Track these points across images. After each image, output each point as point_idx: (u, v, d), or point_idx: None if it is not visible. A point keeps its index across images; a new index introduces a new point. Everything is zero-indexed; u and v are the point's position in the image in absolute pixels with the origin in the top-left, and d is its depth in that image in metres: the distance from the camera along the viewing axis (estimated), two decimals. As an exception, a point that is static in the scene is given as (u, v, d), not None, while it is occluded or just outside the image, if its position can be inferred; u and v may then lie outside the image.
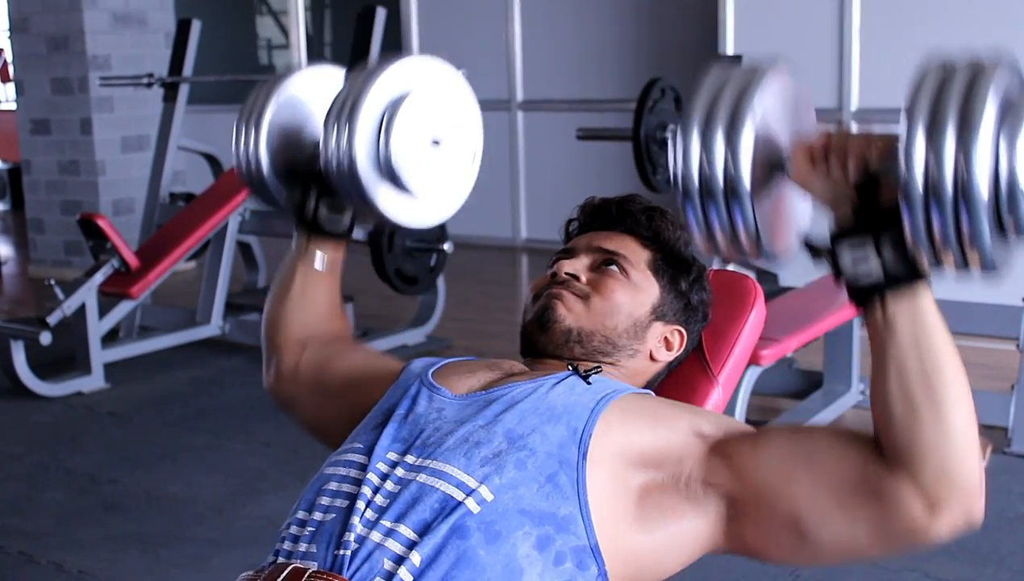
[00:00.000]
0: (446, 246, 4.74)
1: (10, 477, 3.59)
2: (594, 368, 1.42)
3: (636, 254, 1.53)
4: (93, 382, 4.44)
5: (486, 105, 6.05)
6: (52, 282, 4.38)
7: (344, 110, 1.53)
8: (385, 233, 4.50)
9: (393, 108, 1.54)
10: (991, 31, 5.10)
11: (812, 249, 1.25)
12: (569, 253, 1.55)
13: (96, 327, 4.45)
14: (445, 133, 1.60)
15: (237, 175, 1.74)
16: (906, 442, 1.17)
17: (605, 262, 1.51)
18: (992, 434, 3.59)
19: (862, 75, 5.41)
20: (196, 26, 5.25)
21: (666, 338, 1.53)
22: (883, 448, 1.19)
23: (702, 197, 1.20)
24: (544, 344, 1.48)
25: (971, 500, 1.17)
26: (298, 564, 1.24)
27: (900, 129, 1.12)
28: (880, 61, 5.36)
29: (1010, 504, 3.14)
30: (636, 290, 1.50)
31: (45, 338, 4.23)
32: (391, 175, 1.55)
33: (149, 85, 5.33)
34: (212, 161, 5.63)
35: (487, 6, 7.09)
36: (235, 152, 1.69)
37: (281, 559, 1.28)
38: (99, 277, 4.44)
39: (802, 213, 1.31)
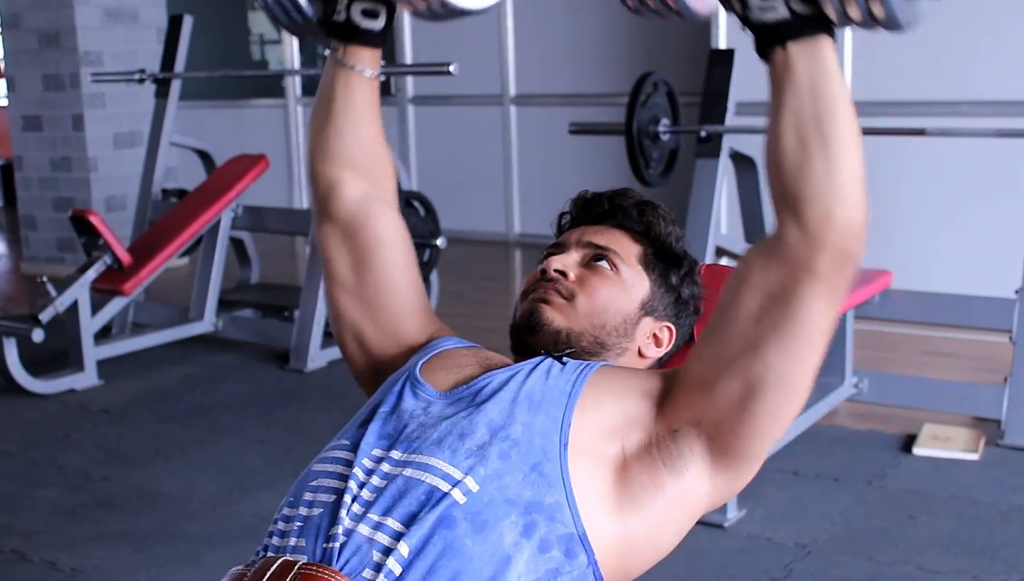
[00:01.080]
0: (439, 241, 4.75)
1: (2, 475, 3.58)
2: (568, 351, 1.42)
3: (627, 249, 1.52)
4: (86, 379, 4.43)
5: (479, 100, 6.08)
6: (44, 279, 4.37)
7: None
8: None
9: None
10: (981, 27, 5.10)
11: None
12: (559, 248, 1.55)
13: (89, 324, 4.44)
14: None
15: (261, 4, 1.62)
16: (795, 183, 1.20)
17: (595, 258, 1.51)
18: (986, 426, 3.59)
19: (854, 68, 5.41)
20: (188, 22, 5.24)
21: (655, 334, 1.52)
22: (772, 197, 1.23)
23: None
24: (533, 345, 1.48)
25: (851, 236, 1.20)
26: (288, 557, 1.23)
27: None
28: (872, 52, 5.35)
29: (1004, 496, 3.14)
30: (625, 286, 1.50)
31: (38, 335, 4.22)
32: None
33: (141, 81, 5.31)
34: (204, 157, 5.61)
35: (480, 0, 7.08)
36: None
37: (270, 553, 1.28)
38: (91, 274, 4.43)
39: None
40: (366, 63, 1.55)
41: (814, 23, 1.19)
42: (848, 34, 5.35)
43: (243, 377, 4.55)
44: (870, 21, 1.16)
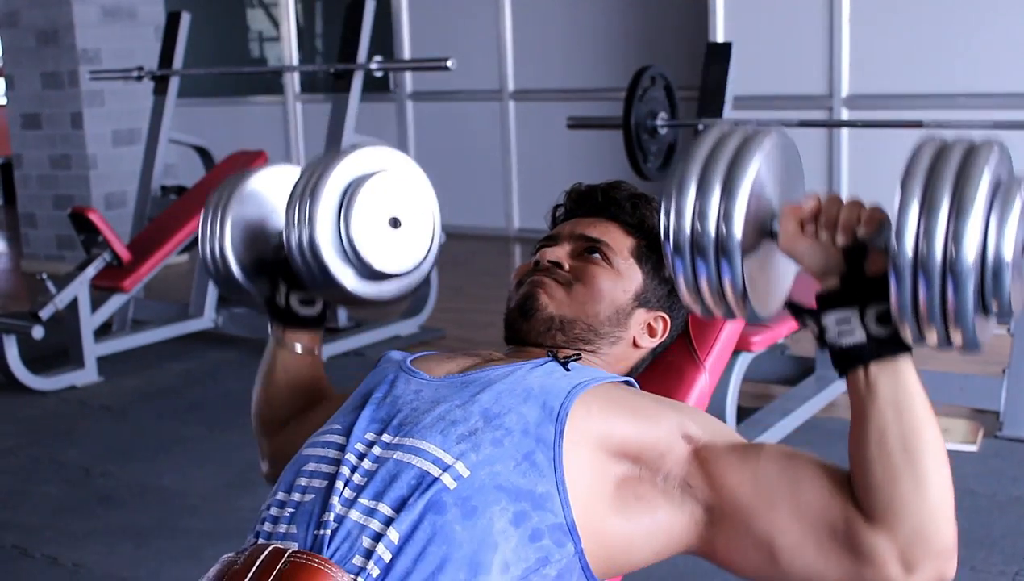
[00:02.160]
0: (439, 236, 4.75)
1: (3, 471, 3.59)
2: (573, 356, 1.42)
3: (620, 241, 1.53)
4: (86, 376, 4.44)
5: (478, 95, 6.07)
6: (44, 276, 4.37)
7: (305, 195, 1.58)
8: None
9: (352, 190, 1.59)
10: (977, 20, 5.11)
11: (796, 311, 1.26)
12: (553, 240, 1.56)
13: (89, 321, 4.46)
14: (403, 213, 1.63)
15: (207, 272, 1.76)
16: (885, 503, 1.18)
17: (588, 250, 1.52)
18: (984, 418, 3.61)
19: (852, 61, 5.42)
20: (186, 19, 5.25)
21: (649, 325, 1.53)
22: (861, 503, 1.20)
23: (692, 251, 1.20)
24: (526, 332, 1.49)
25: (945, 562, 1.18)
26: (278, 545, 1.24)
27: (895, 202, 1.13)
28: (870, 47, 5.36)
29: (1002, 488, 3.15)
30: (619, 277, 1.51)
31: (38, 332, 4.23)
32: (354, 256, 1.59)
33: (139, 79, 5.32)
34: (203, 154, 5.62)
35: (477, -4, 7.09)
36: (201, 251, 1.72)
37: (261, 540, 1.28)
38: (91, 271, 4.44)
39: (788, 274, 1.32)
40: (304, 342, 1.69)
41: (893, 345, 1.19)
42: (845, 27, 5.36)
43: (243, 373, 4.55)
44: (947, 344, 1.16)
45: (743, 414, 3.51)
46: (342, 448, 1.32)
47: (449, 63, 4.30)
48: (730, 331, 1.60)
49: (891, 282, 1.13)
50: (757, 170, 1.20)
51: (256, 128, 7.99)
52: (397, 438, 1.30)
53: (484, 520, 1.22)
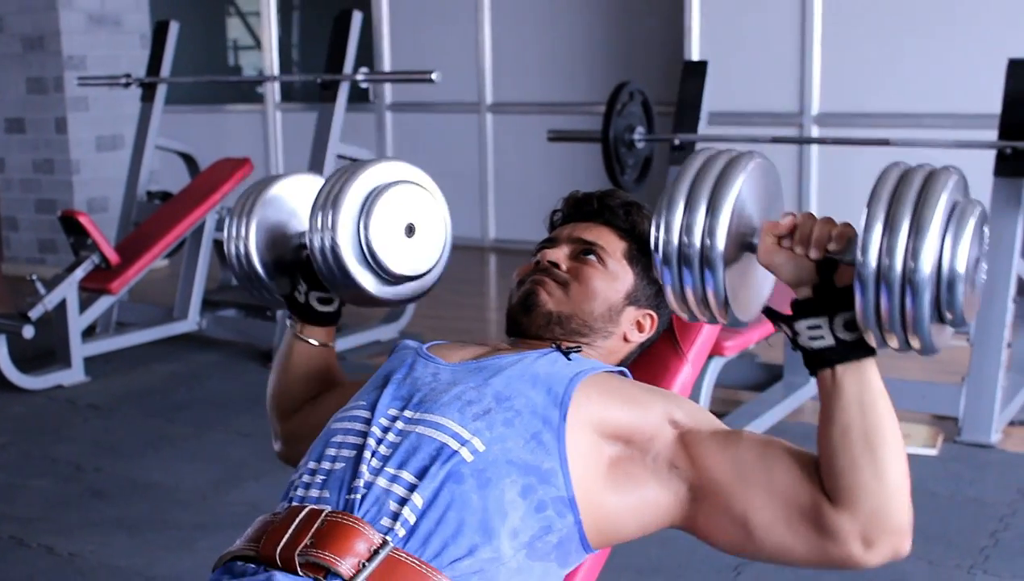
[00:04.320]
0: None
1: (-3, 466, 3.69)
2: (574, 347, 1.56)
3: (613, 244, 1.67)
4: (73, 376, 4.53)
5: (456, 107, 6.22)
6: (34, 277, 4.47)
7: (328, 204, 1.71)
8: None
9: (371, 200, 1.72)
10: (942, 43, 5.28)
11: (773, 317, 1.41)
12: (552, 242, 1.69)
13: (77, 322, 4.55)
14: (418, 221, 1.77)
15: (231, 271, 1.88)
16: (847, 487, 1.33)
17: (584, 252, 1.65)
18: (944, 424, 3.76)
19: (823, 81, 5.58)
20: (174, 28, 5.35)
21: (638, 321, 1.66)
22: (827, 487, 1.35)
23: (679, 262, 1.35)
24: (527, 326, 1.62)
25: (900, 540, 1.33)
26: (313, 507, 1.37)
27: (861, 221, 1.28)
28: (840, 67, 5.53)
29: (960, 489, 3.30)
30: (612, 278, 1.64)
31: (28, 332, 4.32)
32: (373, 260, 1.72)
33: (127, 85, 5.42)
34: (188, 160, 5.72)
35: (458, 10, 7.21)
36: (226, 249, 1.84)
37: (294, 504, 1.41)
38: (80, 273, 4.53)
39: (766, 284, 1.47)
40: (319, 338, 1.81)
41: (858, 349, 1.33)
42: (817, 47, 5.52)
43: (227, 374, 4.66)
44: (907, 348, 1.30)
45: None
46: (368, 422, 1.45)
47: (434, 76, 4.43)
48: (711, 328, 1.74)
49: (856, 293, 1.28)
50: (739, 190, 1.34)
51: (235, 136, 8.07)
52: (418, 413, 1.43)
53: (497, 491, 1.36)
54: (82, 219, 4.53)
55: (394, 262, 1.73)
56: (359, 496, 1.36)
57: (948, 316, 1.28)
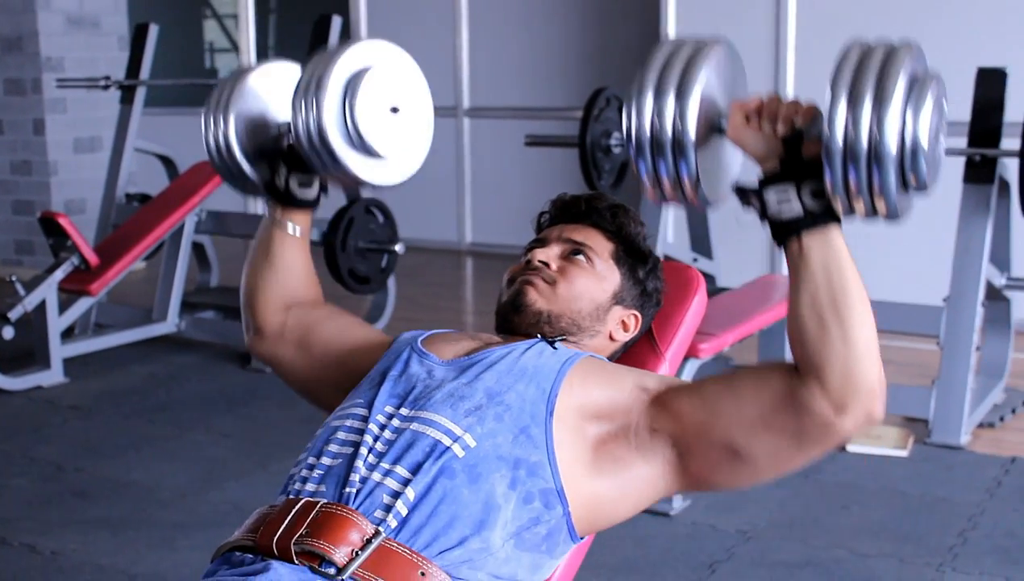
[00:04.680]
0: (397, 247, 4.91)
1: (-24, 466, 3.70)
2: (559, 337, 1.61)
3: (601, 245, 1.72)
4: (52, 376, 4.54)
5: (434, 111, 6.22)
6: (13, 278, 4.48)
7: (311, 86, 1.71)
8: (341, 229, 4.67)
9: (354, 81, 1.72)
10: (916, 24, 5.37)
11: (742, 193, 1.45)
12: (542, 242, 1.74)
13: (56, 323, 4.56)
14: (402, 102, 1.78)
15: (209, 162, 1.89)
16: (816, 354, 1.37)
17: (573, 252, 1.71)
18: (914, 426, 3.83)
19: (796, 88, 5.65)
20: (154, 31, 5.37)
21: (623, 321, 1.72)
22: (797, 362, 1.40)
23: (652, 149, 1.39)
24: (517, 324, 1.67)
25: (871, 401, 1.38)
26: (309, 499, 1.42)
27: (826, 96, 1.33)
28: (814, 75, 5.60)
29: (929, 489, 3.37)
30: (599, 278, 1.70)
31: (7, 333, 4.34)
32: (358, 140, 1.72)
33: (106, 88, 5.44)
34: (167, 162, 5.74)
35: (435, 15, 7.26)
36: (205, 140, 1.85)
37: (291, 497, 1.46)
38: (59, 274, 4.55)
39: (734, 165, 1.51)
40: (299, 223, 1.82)
41: (825, 216, 1.38)
42: (791, 55, 5.60)
43: (206, 376, 4.69)
44: (873, 214, 1.35)
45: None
46: (365, 419, 1.50)
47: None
48: (688, 326, 1.80)
49: (825, 164, 1.32)
50: (707, 75, 1.39)
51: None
52: (413, 411, 1.49)
53: (487, 485, 1.42)
54: (62, 221, 4.55)
55: (379, 142, 1.73)
56: (354, 490, 1.42)
57: (913, 182, 1.33)
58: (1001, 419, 3.94)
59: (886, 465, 3.53)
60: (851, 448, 3.64)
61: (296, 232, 1.82)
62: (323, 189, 1.84)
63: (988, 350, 4.12)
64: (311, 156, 1.73)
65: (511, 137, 6.26)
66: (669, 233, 5.38)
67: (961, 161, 3.80)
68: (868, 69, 1.32)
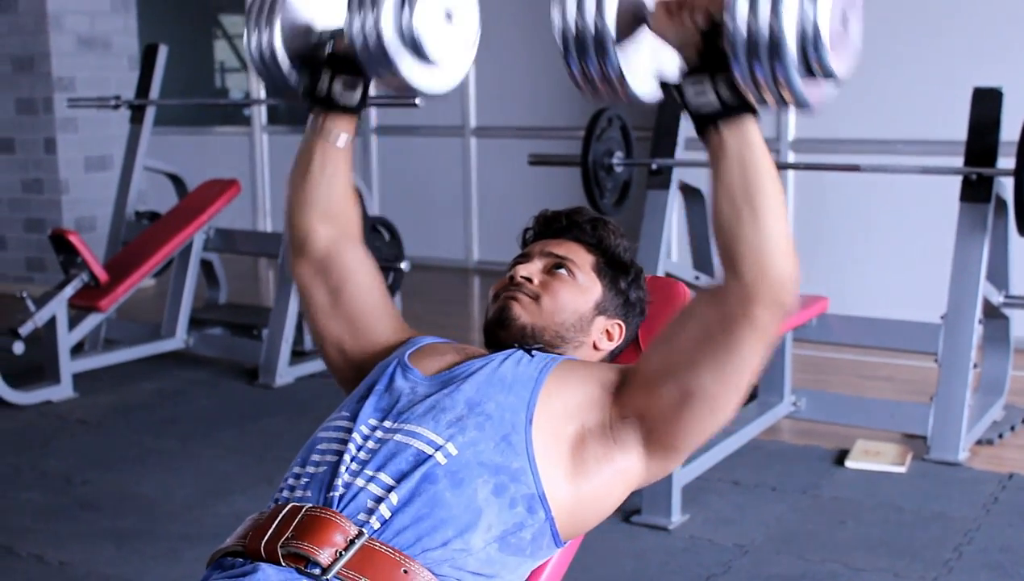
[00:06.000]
0: (403, 265, 4.97)
1: (-14, 478, 3.76)
2: (536, 346, 1.66)
3: (582, 258, 1.77)
4: (62, 391, 4.61)
5: (441, 131, 6.38)
6: (24, 295, 4.54)
7: None
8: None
9: None
10: (913, 72, 5.42)
11: (664, 86, 1.49)
12: (524, 258, 1.79)
13: (66, 338, 4.63)
14: (456, 8, 1.78)
15: (253, 67, 1.86)
16: (730, 245, 1.43)
17: (556, 266, 1.76)
18: (913, 442, 3.86)
19: (798, 107, 5.70)
20: (163, 51, 5.44)
21: (607, 330, 1.77)
22: (719, 257, 1.45)
23: (577, 47, 1.44)
24: (504, 339, 1.72)
25: (781, 289, 1.43)
26: (296, 504, 1.48)
27: None
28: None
29: (926, 504, 3.40)
30: (582, 290, 1.75)
31: (18, 348, 4.41)
32: (413, 45, 1.72)
33: (116, 107, 5.51)
34: (176, 181, 5.81)
35: (442, 35, 7.32)
36: (248, 47, 1.82)
37: (280, 503, 1.51)
38: (69, 290, 4.61)
39: (661, 61, 1.52)
40: (342, 129, 1.80)
41: (740, 108, 1.41)
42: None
43: (214, 391, 4.75)
44: (783, 104, 1.38)
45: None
46: (349, 431, 1.55)
47: (418, 100, 4.53)
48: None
49: (730, 58, 1.36)
50: None
51: (223, 157, 8.16)
52: (396, 423, 1.54)
53: (470, 490, 1.46)
54: (72, 238, 4.62)
55: (433, 46, 1.73)
56: (338, 494, 1.47)
57: (818, 69, 1.35)
58: (1000, 436, 3.97)
59: (884, 481, 3.57)
60: (850, 464, 3.67)
61: (339, 141, 1.80)
62: (365, 96, 1.81)
63: (987, 367, 4.15)
64: (363, 56, 1.71)
65: (517, 156, 6.32)
66: (673, 252, 5.44)
67: (958, 180, 3.84)
68: None
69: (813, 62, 1.35)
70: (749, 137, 1.42)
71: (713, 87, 1.41)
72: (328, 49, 1.79)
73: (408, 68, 1.74)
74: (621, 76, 1.44)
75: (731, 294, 1.43)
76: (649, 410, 1.53)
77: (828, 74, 1.36)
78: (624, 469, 1.55)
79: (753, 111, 1.41)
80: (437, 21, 1.74)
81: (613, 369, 1.62)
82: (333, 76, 1.77)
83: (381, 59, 1.71)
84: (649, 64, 1.49)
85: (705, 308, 1.49)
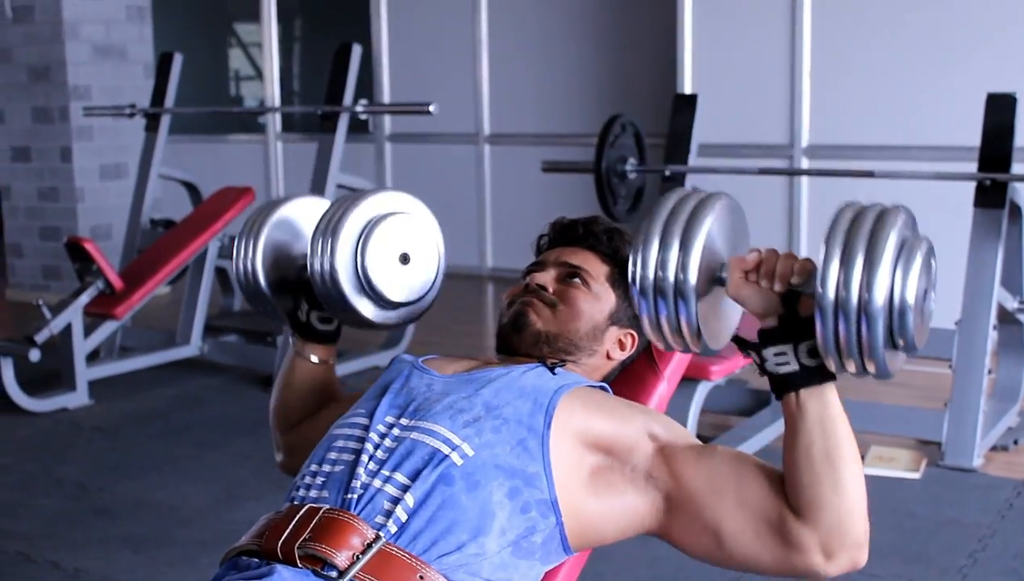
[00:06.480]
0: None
1: (3, 485, 3.78)
2: (559, 363, 1.66)
3: (597, 268, 1.78)
4: (78, 399, 4.63)
5: (455, 138, 6.37)
6: (40, 302, 4.57)
7: (328, 229, 1.81)
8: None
9: (368, 230, 1.82)
10: (927, 78, 5.41)
11: (742, 345, 1.52)
12: (540, 266, 1.80)
13: (82, 346, 4.65)
14: (412, 250, 1.87)
15: (239, 287, 1.99)
16: (809, 501, 1.44)
17: (570, 275, 1.76)
18: (928, 449, 3.85)
19: (812, 112, 5.70)
20: (178, 60, 5.47)
21: (620, 340, 1.77)
22: (791, 501, 1.46)
23: (655, 296, 1.46)
24: (518, 344, 1.73)
25: (858, 552, 1.44)
26: (312, 505, 1.48)
27: (819, 256, 1.39)
28: (829, 100, 5.66)
29: (940, 511, 3.39)
30: (596, 299, 1.75)
31: (34, 355, 4.43)
32: (368, 287, 1.82)
33: (132, 116, 5.54)
34: (191, 189, 5.84)
35: (456, 43, 7.35)
36: (234, 266, 1.95)
37: (296, 503, 1.52)
38: (85, 298, 4.64)
39: (735, 314, 1.58)
40: (320, 355, 1.92)
41: (820, 374, 1.44)
42: (806, 82, 5.65)
43: (229, 398, 4.76)
44: (864, 373, 1.41)
45: (702, 442, 3.73)
46: (366, 428, 1.56)
47: (431, 108, 4.55)
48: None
49: (817, 322, 1.39)
50: (709, 228, 1.46)
51: (237, 165, 8.19)
52: (413, 421, 1.55)
53: (485, 492, 1.47)
54: (87, 246, 4.64)
55: (388, 289, 1.83)
56: (355, 496, 1.47)
57: (900, 342, 1.39)
58: (1015, 442, 3.96)
59: (898, 487, 3.56)
60: (864, 470, 3.65)
61: (317, 361, 1.92)
62: (340, 327, 1.93)
63: (1002, 374, 4.14)
64: (323, 296, 1.83)
65: (531, 163, 6.33)
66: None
67: (972, 186, 3.83)
68: (860, 230, 1.38)
69: (897, 334, 1.38)
70: (829, 402, 1.45)
71: (795, 353, 1.44)
72: (307, 275, 1.88)
73: (365, 309, 1.84)
74: (698, 331, 1.47)
75: (807, 539, 1.43)
76: (679, 503, 1.52)
77: (909, 347, 1.39)
78: (632, 506, 1.54)
79: (833, 377, 1.45)
80: (391, 265, 1.83)
81: (658, 422, 1.58)
82: (310, 307, 1.89)
83: (340, 302, 1.82)
84: (717, 319, 1.53)
85: (780, 522, 1.45)
